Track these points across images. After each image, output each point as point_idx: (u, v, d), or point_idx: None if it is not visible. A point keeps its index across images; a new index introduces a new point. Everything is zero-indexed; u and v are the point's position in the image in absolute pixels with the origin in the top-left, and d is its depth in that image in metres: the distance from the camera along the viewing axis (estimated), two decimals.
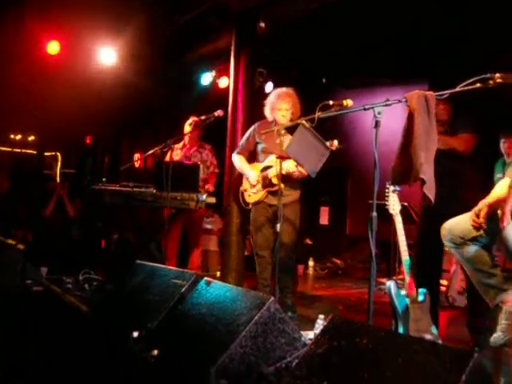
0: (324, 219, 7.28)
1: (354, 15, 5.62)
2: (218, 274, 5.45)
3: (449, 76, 2.89)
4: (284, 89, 4.45)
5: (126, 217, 5.92)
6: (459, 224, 2.85)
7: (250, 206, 4.39)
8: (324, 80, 7.93)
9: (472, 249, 2.85)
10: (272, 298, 2.43)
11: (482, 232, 2.75)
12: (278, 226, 3.63)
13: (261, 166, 4.36)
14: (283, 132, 3.88)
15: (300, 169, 4.02)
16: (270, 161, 4.27)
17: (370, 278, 2.47)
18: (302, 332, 2.55)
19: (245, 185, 4.47)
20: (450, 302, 4.93)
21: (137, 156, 7.31)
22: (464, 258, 2.92)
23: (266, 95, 6.78)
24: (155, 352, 2.49)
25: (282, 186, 3.93)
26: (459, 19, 5.70)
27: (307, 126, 3.65)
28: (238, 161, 4.53)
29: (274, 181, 4.19)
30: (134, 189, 4.87)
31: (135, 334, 2.66)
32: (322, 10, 5.33)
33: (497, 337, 2.72)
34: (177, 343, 2.57)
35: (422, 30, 6.22)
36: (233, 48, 5.43)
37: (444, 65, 6.40)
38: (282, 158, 3.71)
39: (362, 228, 2.79)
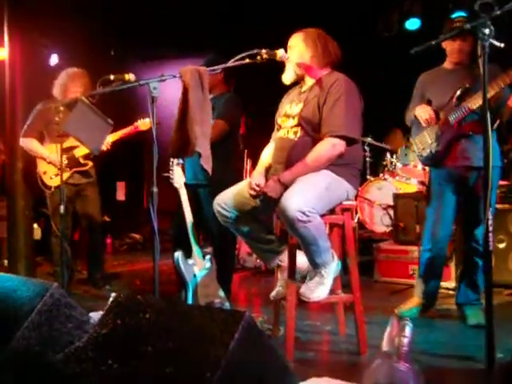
0: (121, 194, 7.18)
1: None
2: (6, 262, 5.09)
3: (233, 49, 2.98)
4: (75, 69, 4.31)
5: None
6: (233, 199, 2.89)
7: (53, 189, 4.18)
8: (112, 52, 7.69)
9: (249, 221, 2.92)
10: (55, 284, 2.35)
11: (258, 202, 2.86)
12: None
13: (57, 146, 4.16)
14: (62, 109, 3.71)
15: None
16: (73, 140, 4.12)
17: (154, 252, 2.51)
18: (97, 312, 2.52)
19: (42, 167, 4.24)
20: (241, 263, 5.27)
21: None
22: (242, 232, 2.97)
23: (51, 68, 6.38)
24: None
25: (91, 163, 4.17)
26: None
27: (86, 102, 3.54)
28: (30, 143, 4.28)
29: (82, 160, 4.24)
30: None
31: None
32: None
33: (278, 291, 2.98)
34: None
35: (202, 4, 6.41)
36: (6, 17, 4.95)
37: (229, 37, 6.66)
38: (61, 136, 3.56)
39: (160, 200, 2.85)
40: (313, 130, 2.79)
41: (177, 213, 3.56)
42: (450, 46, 3.36)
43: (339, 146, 2.71)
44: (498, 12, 1.73)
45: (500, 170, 3.36)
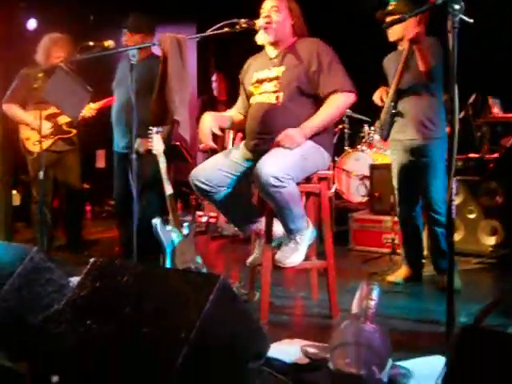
0: (101, 162, 7.17)
1: None
2: None
3: (215, 17, 2.98)
4: (58, 34, 4.27)
5: None
6: (212, 173, 2.90)
7: (35, 155, 4.18)
8: (92, 18, 7.58)
9: (228, 193, 2.94)
10: (35, 248, 2.40)
11: (238, 173, 2.92)
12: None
13: (44, 113, 4.15)
14: (40, 75, 3.70)
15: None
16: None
17: (133, 217, 2.57)
18: (76, 277, 2.56)
19: (25, 133, 4.25)
20: (219, 231, 5.37)
21: None
22: (221, 204, 2.99)
23: (29, 33, 6.29)
24: None
25: (74, 131, 4.26)
26: None
27: (65, 68, 3.54)
28: (12, 110, 4.26)
29: (66, 127, 4.27)
30: None
31: None
32: None
33: (255, 257, 3.06)
34: None
35: None
36: None
37: (211, 6, 6.60)
38: (41, 103, 3.56)
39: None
40: (293, 96, 2.81)
41: (117, 179, 3.71)
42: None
43: (351, 97, 2.83)
44: None
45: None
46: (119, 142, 3.78)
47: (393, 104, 3.43)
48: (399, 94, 3.41)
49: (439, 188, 3.36)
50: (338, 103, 2.80)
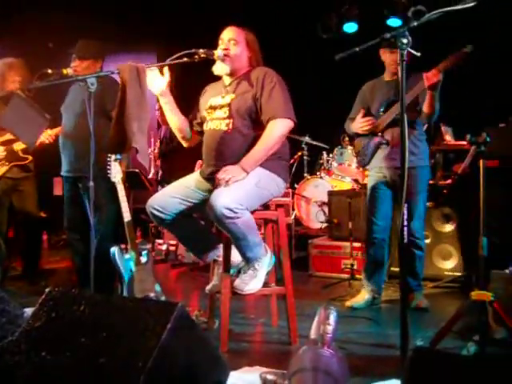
0: (58, 189, 7.05)
1: None
2: None
3: (176, 47, 3.01)
4: (13, 59, 4.23)
5: None
6: (168, 201, 2.92)
7: None
8: (51, 45, 7.55)
9: (185, 221, 2.96)
10: None
11: (193, 201, 2.93)
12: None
13: None
14: None
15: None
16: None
17: (90, 246, 2.54)
18: (32, 308, 2.50)
19: None
20: (179, 259, 5.34)
21: None
22: (177, 233, 3.04)
23: None
24: None
25: (30, 157, 4.22)
26: None
27: (22, 95, 3.50)
28: None
29: (22, 154, 4.22)
30: None
31: None
32: None
33: (214, 285, 3.06)
34: None
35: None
36: None
37: (172, 35, 6.67)
38: None
39: None
40: (243, 122, 2.86)
41: (68, 206, 3.79)
42: (388, 58, 3.60)
43: (287, 123, 2.82)
44: (415, 23, 1.88)
45: (430, 169, 3.69)
46: (64, 166, 3.75)
47: (380, 134, 3.56)
48: (388, 124, 3.52)
49: (420, 214, 3.55)
50: (274, 131, 2.80)
